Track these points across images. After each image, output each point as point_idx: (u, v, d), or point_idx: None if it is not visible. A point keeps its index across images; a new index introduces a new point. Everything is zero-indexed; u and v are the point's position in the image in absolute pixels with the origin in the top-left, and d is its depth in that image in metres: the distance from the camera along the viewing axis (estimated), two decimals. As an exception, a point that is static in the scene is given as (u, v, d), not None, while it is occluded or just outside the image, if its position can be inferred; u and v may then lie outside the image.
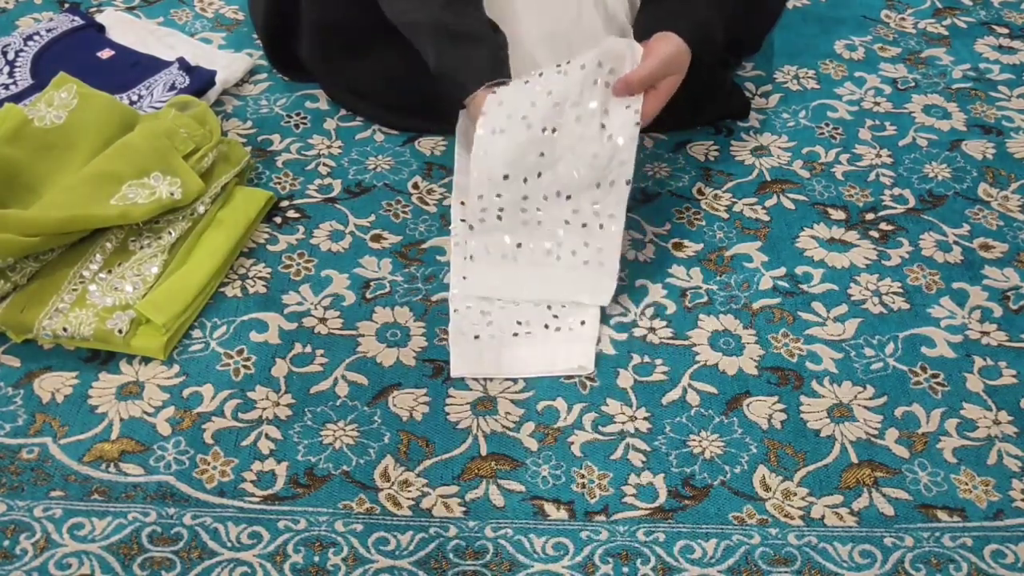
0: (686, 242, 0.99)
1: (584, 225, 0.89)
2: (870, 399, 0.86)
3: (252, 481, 0.78)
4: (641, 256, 0.98)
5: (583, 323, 0.89)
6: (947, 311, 0.93)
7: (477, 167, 0.89)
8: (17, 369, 0.85)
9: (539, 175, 0.88)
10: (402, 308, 0.92)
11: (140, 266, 0.90)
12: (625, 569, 0.73)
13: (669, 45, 0.88)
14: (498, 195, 0.89)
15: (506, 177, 0.88)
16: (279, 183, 1.04)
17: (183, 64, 1.12)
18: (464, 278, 0.91)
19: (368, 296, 0.93)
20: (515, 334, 0.88)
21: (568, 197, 0.89)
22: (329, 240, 0.98)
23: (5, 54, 1.12)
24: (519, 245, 0.90)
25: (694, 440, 0.82)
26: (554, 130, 0.87)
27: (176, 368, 0.86)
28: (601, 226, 0.89)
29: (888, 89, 1.20)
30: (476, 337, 0.88)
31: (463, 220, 0.91)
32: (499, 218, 0.89)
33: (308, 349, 0.88)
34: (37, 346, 0.87)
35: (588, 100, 0.87)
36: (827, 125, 1.14)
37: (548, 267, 0.90)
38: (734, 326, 0.91)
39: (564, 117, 0.87)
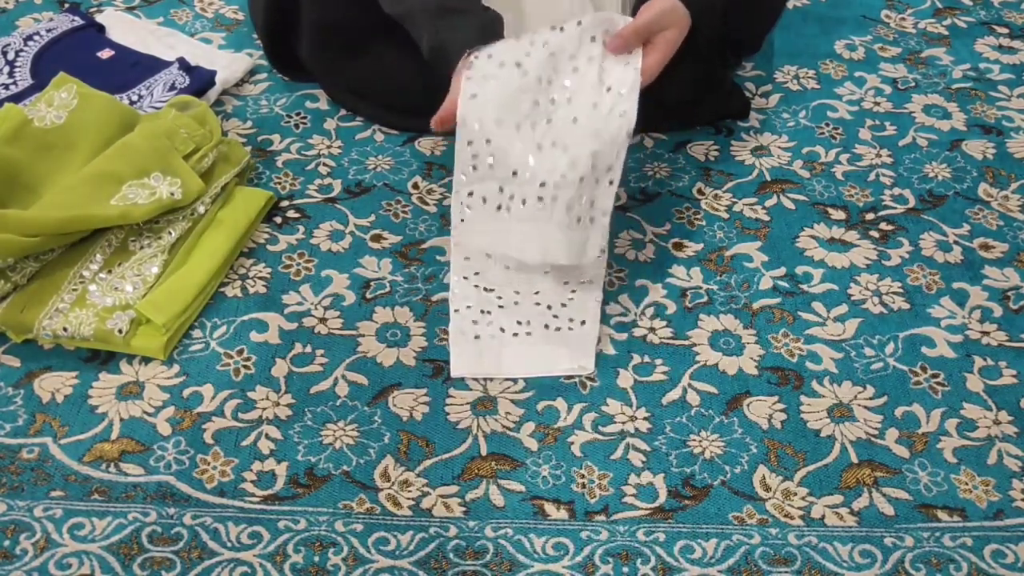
0: (686, 242, 0.99)
1: (581, 179, 0.84)
2: (870, 399, 0.86)
3: (252, 481, 0.78)
4: (641, 256, 0.98)
5: (583, 323, 0.89)
6: (947, 311, 0.93)
7: (466, 111, 0.83)
8: (17, 369, 0.85)
9: (533, 125, 0.84)
10: (402, 308, 0.92)
11: (140, 266, 0.90)
12: (625, 569, 0.73)
13: (659, 3, 0.86)
14: (488, 140, 0.83)
15: (498, 122, 0.83)
16: (279, 183, 1.04)
17: (183, 64, 1.12)
18: (457, 241, 0.86)
19: (368, 296, 0.93)
20: (515, 334, 0.88)
21: (564, 148, 0.83)
22: (329, 240, 0.98)
23: (5, 54, 1.12)
24: (511, 196, 0.85)
25: (694, 440, 0.82)
26: (550, 81, 0.84)
27: (176, 368, 0.86)
28: (597, 180, 0.84)
29: (888, 89, 1.20)
30: (476, 337, 0.88)
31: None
32: (491, 167, 0.84)
33: (308, 349, 0.88)
34: (37, 346, 0.87)
35: (585, 53, 0.85)
36: (827, 125, 1.14)
37: (540, 222, 0.84)
38: (734, 326, 0.91)
39: (560, 68, 0.84)
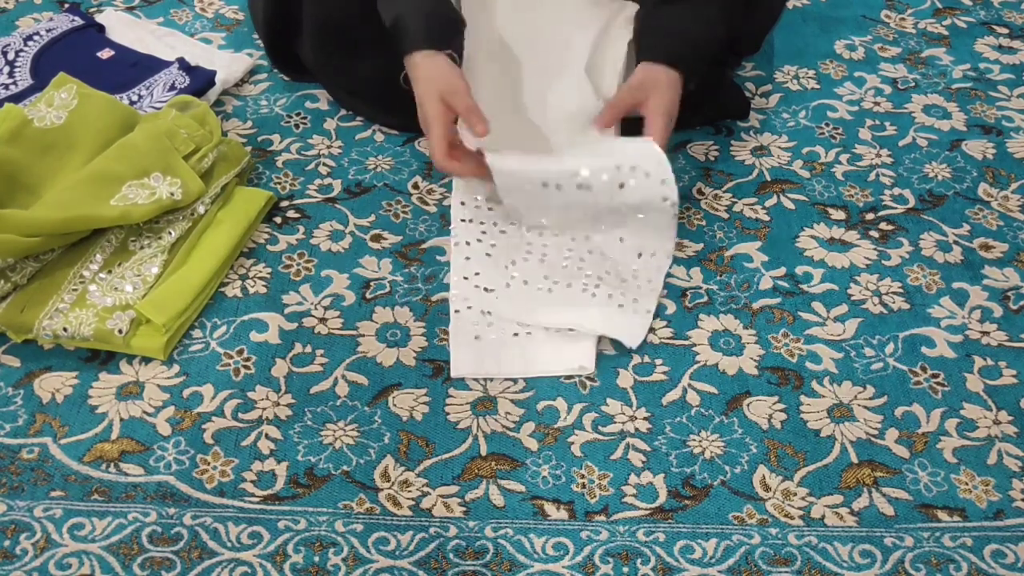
0: (686, 242, 0.99)
1: (623, 281, 0.90)
2: (870, 399, 0.86)
3: (252, 481, 0.78)
4: (641, 256, 0.98)
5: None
6: (947, 311, 0.93)
7: (519, 219, 0.93)
8: (17, 369, 0.85)
9: (587, 238, 0.94)
10: (402, 308, 0.92)
11: (140, 266, 0.90)
12: (625, 569, 0.73)
13: (636, 75, 0.92)
14: (544, 245, 0.93)
15: (554, 234, 0.94)
16: (279, 183, 1.04)
17: (183, 64, 1.12)
18: (496, 297, 0.90)
19: (368, 296, 0.93)
20: (515, 334, 0.88)
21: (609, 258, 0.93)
22: (329, 240, 0.98)
23: (5, 54, 1.12)
24: (555, 281, 0.90)
25: (694, 440, 0.82)
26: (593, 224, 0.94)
27: (176, 368, 0.86)
28: (639, 287, 0.91)
29: (888, 89, 1.20)
30: (476, 337, 0.88)
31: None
32: (541, 261, 0.91)
33: (308, 349, 0.88)
34: (37, 346, 0.87)
35: (620, 200, 0.90)
36: (827, 125, 1.14)
37: (583, 304, 0.89)
38: (734, 326, 0.91)
39: (600, 221, 0.93)
